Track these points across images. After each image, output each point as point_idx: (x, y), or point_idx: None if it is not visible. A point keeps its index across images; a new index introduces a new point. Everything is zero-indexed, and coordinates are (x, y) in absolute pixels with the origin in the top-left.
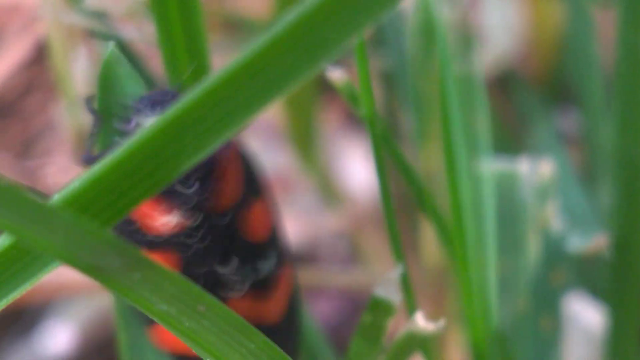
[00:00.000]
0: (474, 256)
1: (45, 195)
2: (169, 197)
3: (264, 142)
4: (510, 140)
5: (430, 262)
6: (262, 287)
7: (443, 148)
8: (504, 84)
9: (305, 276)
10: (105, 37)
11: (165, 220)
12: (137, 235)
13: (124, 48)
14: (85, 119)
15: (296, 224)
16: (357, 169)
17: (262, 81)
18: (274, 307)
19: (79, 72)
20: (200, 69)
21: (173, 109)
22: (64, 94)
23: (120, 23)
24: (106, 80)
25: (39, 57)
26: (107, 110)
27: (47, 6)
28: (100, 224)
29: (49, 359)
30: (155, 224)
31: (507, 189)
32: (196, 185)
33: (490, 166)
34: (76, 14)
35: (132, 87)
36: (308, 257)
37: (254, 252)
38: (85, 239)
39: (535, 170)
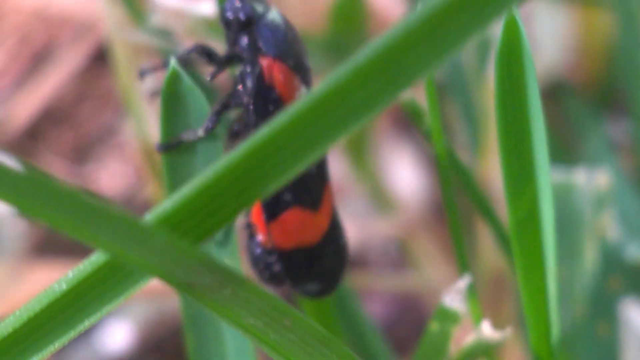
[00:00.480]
0: (533, 264)
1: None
2: (298, 68)
3: None
4: (563, 148)
5: (488, 267)
6: None
7: (500, 159)
8: (555, 93)
9: (358, 279)
10: (170, 54)
11: (299, 93)
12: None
13: (187, 65)
14: (151, 133)
15: (348, 229)
16: (407, 173)
17: (347, 108)
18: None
19: (144, 88)
20: None
21: (260, 134)
22: (130, 111)
23: (183, 40)
24: (169, 96)
25: (92, 65)
26: (172, 125)
27: (112, 25)
28: (190, 242)
29: (109, 357)
30: (294, 96)
31: (564, 198)
32: (306, 60)
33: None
34: (141, 32)
35: (195, 103)
36: (360, 261)
37: None
38: (180, 258)
39: (592, 180)
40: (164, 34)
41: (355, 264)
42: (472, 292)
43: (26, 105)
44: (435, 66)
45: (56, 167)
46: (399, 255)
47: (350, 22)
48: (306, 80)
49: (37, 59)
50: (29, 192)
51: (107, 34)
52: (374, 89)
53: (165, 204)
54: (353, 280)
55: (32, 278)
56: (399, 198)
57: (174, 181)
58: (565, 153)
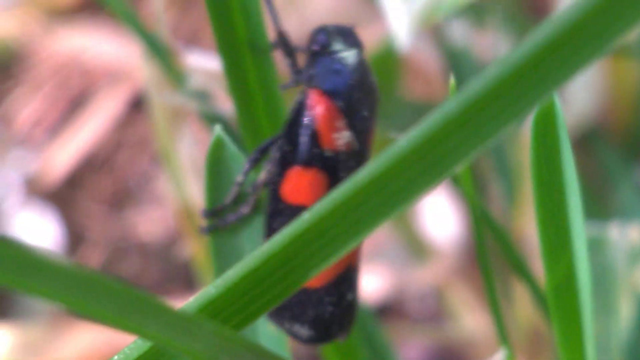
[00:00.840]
0: (571, 325)
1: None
2: (350, 112)
3: None
4: (595, 197)
5: (525, 320)
6: None
7: (536, 213)
8: (586, 142)
9: (394, 328)
10: (209, 116)
11: (341, 135)
12: (308, 147)
13: (227, 127)
14: (190, 195)
15: (384, 277)
16: (443, 220)
17: (387, 195)
18: None
19: (184, 149)
20: None
21: (301, 221)
22: (169, 171)
23: (223, 102)
24: (214, 163)
25: (129, 111)
26: (216, 190)
27: (150, 87)
28: (233, 327)
29: None
30: (332, 136)
31: (597, 253)
32: (368, 110)
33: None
34: (179, 94)
35: (239, 168)
36: (396, 309)
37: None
38: (226, 345)
39: (625, 234)
40: (202, 95)
41: (391, 313)
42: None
43: (64, 153)
44: (474, 155)
45: (95, 213)
46: (436, 304)
47: (386, 76)
48: (357, 129)
49: (74, 105)
50: (73, 288)
51: (145, 95)
52: (413, 176)
53: (210, 289)
54: (389, 330)
55: (69, 338)
56: (435, 245)
57: (219, 257)
58: (597, 202)
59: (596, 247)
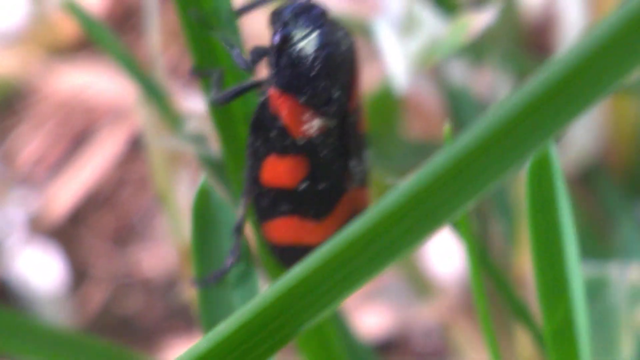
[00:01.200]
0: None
1: None
2: (316, 103)
3: None
4: (596, 234)
5: (525, 355)
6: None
7: (532, 260)
8: (587, 179)
9: None
10: (206, 159)
11: (311, 124)
12: (279, 139)
13: (221, 170)
14: (188, 235)
15: (387, 314)
16: (447, 258)
17: (377, 249)
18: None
19: (182, 191)
20: None
21: (292, 275)
22: (168, 214)
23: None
24: (200, 210)
25: (131, 147)
26: (204, 240)
27: (148, 131)
28: None
29: None
30: (301, 128)
31: (597, 293)
32: (340, 91)
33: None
34: (176, 138)
35: (225, 216)
36: (401, 347)
37: (362, 143)
38: None
39: (625, 274)
40: (199, 139)
41: (396, 349)
42: None
43: (67, 190)
44: (467, 206)
45: (98, 250)
46: (441, 340)
47: (385, 117)
48: (330, 111)
49: (76, 142)
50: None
51: (143, 138)
52: (400, 234)
53: (201, 344)
54: None
55: None
56: (439, 281)
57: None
58: (598, 240)
59: (596, 287)
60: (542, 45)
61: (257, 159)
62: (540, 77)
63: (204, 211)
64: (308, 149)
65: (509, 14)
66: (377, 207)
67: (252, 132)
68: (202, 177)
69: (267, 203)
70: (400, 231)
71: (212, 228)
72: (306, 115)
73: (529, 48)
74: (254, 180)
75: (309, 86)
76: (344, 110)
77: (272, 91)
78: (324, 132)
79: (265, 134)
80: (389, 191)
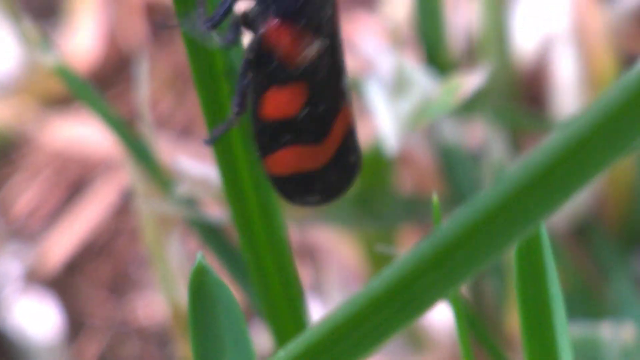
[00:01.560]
0: None
1: None
2: (314, 23)
3: (343, 280)
4: (589, 290)
5: None
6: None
7: (520, 317)
8: (581, 234)
9: None
10: (196, 222)
11: (310, 48)
12: (278, 70)
13: (215, 232)
14: (179, 298)
15: None
16: (439, 311)
17: (362, 335)
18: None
19: (172, 253)
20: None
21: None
22: (159, 276)
23: (210, 208)
24: (196, 289)
25: (125, 202)
26: (200, 317)
27: (137, 192)
28: None
29: None
30: (301, 53)
31: (590, 353)
32: (330, 7)
33: (572, 331)
34: (167, 202)
35: (221, 294)
36: None
37: (344, 67)
38: None
39: (617, 334)
40: (190, 202)
41: None
42: None
43: (63, 240)
44: (453, 290)
45: (95, 299)
46: None
47: (377, 174)
48: (323, 30)
49: (70, 193)
50: None
51: (135, 204)
52: (386, 316)
53: None
54: None
55: None
56: (432, 334)
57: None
58: (592, 296)
59: (588, 347)
60: (535, 98)
61: (257, 93)
62: (527, 164)
63: (200, 289)
64: (307, 73)
65: (501, 69)
66: (365, 290)
67: (248, 70)
68: (198, 255)
69: (268, 138)
70: (387, 314)
71: (208, 306)
72: (306, 39)
73: (521, 101)
74: (255, 117)
75: (307, 6)
76: (334, 28)
77: (270, 23)
78: (320, 53)
79: (264, 70)
80: (383, 267)
